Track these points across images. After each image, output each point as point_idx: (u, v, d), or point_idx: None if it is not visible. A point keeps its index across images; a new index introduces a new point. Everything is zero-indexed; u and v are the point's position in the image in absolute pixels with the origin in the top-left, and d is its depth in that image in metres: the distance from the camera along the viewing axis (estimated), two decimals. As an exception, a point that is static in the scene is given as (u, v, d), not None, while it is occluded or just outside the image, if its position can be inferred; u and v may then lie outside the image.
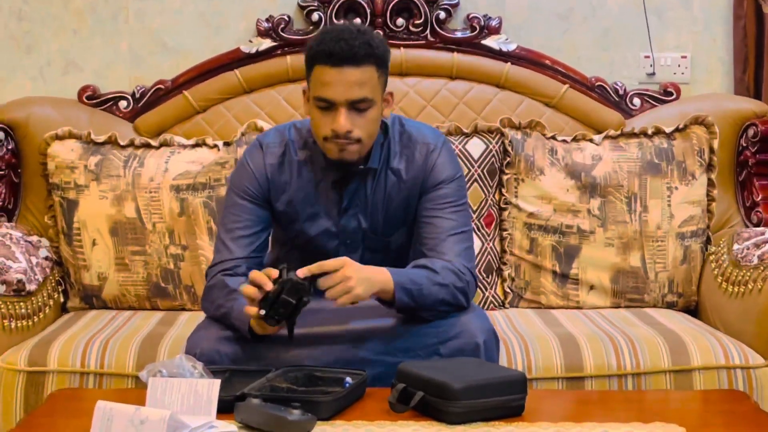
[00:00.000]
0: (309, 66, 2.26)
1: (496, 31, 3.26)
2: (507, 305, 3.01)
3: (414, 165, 2.37)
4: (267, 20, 3.25)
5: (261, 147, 2.40)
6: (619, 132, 3.10)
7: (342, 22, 3.21)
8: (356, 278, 2.12)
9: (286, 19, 3.25)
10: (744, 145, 3.12)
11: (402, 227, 2.42)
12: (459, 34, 3.26)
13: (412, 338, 2.22)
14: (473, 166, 2.99)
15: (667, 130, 3.05)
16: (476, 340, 2.21)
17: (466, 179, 2.95)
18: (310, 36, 3.22)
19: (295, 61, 3.22)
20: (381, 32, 3.22)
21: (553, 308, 2.99)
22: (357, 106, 2.22)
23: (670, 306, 3.01)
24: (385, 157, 2.37)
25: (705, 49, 3.38)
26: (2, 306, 2.64)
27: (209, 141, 3.03)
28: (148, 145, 3.03)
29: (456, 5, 3.27)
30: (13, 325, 2.66)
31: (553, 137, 3.06)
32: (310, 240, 2.39)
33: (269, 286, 2.07)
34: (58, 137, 2.99)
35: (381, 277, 2.19)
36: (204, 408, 1.88)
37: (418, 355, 2.18)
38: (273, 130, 2.45)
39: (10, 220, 3.07)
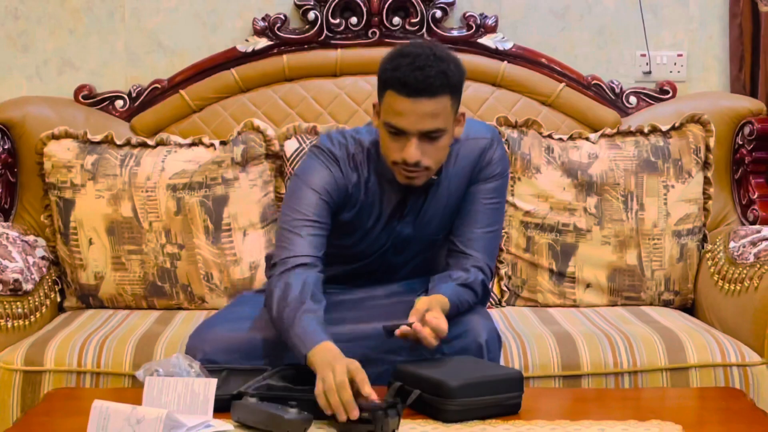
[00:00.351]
0: (381, 87, 2.19)
1: (492, 29, 3.27)
2: (504, 303, 3.02)
3: (468, 160, 2.34)
4: (263, 19, 3.25)
5: (335, 157, 2.30)
6: (615, 130, 3.10)
7: (338, 20, 3.21)
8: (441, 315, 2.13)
9: (283, 18, 3.25)
10: (740, 143, 3.13)
11: (449, 228, 2.40)
12: (455, 33, 3.26)
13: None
14: (470, 165, 2.99)
15: (664, 128, 3.05)
16: (480, 340, 2.22)
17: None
18: (306, 35, 3.22)
19: (292, 60, 3.22)
20: (377, 31, 3.23)
21: (550, 306, 2.99)
22: (428, 136, 2.17)
23: (667, 304, 3.01)
24: (445, 164, 2.33)
25: (701, 47, 3.38)
26: (-1, 305, 2.65)
27: (206, 140, 3.03)
28: (144, 145, 3.03)
29: (452, 4, 3.27)
30: (9, 324, 2.66)
31: (550, 135, 3.07)
32: (362, 250, 2.37)
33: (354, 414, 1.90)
34: (55, 137, 2.99)
35: (445, 305, 2.20)
36: (200, 407, 1.89)
37: (421, 354, 2.18)
38: (336, 143, 2.33)
39: (6, 220, 3.07)
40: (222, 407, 1.91)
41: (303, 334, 2.07)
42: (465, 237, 2.34)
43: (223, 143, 3.01)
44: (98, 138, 3.01)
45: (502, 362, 2.44)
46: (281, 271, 2.21)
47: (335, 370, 1.91)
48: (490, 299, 2.98)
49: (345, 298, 2.37)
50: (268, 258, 2.56)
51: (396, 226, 2.35)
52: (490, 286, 2.38)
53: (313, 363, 2.00)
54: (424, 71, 2.11)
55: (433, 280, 2.31)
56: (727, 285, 2.80)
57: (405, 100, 2.13)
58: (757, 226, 2.96)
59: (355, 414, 1.87)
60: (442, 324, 2.09)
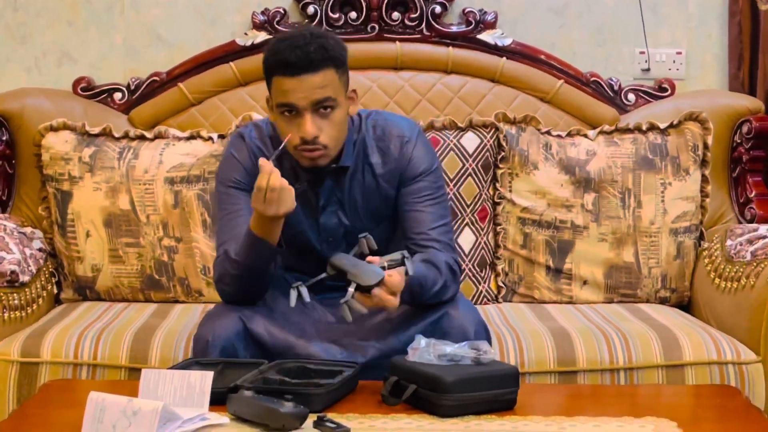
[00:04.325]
0: (268, 77, 2.26)
1: (491, 25, 3.27)
2: (500, 300, 3.02)
3: (390, 158, 2.37)
4: (262, 13, 3.24)
5: (243, 138, 2.39)
6: (613, 127, 3.10)
7: (338, 15, 3.21)
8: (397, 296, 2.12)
9: (282, 12, 3.24)
10: (738, 141, 3.13)
11: (384, 221, 2.41)
12: (454, 29, 3.26)
13: (407, 334, 2.22)
14: (468, 161, 2.99)
15: (662, 125, 3.05)
16: (467, 334, 2.22)
17: (460, 174, 2.98)
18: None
19: (291, 54, 3.22)
20: (376, 26, 3.23)
21: (546, 303, 2.99)
22: (321, 107, 2.21)
23: (663, 301, 3.01)
24: (360, 153, 2.36)
25: (700, 46, 3.38)
26: (-5, 297, 2.65)
27: (204, 133, 3.03)
28: (142, 137, 3.03)
29: (452, 0, 3.27)
30: (6, 316, 2.66)
31: (548, 132, 3.07)
32: (293, 237, 2.37)
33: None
34: (53, 129, 2.99)
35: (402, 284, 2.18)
36: (196, 400, 1.89)
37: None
38: (250, 126, 2.43)
39: (3, 212, 3.07)
40: (218, 400, 1.91)
41: (243, 244, 2.21)
42: (417, 237, 2.34)
43: (221, 137, 3.01)
44: (96, 130, 3.01)
45: (497, 358, 2.45)
46: (218, 258, 2.31)
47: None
48: (487, 295, 2.99)
49: (329, 319, 2.38)
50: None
51: (320, 217, 2.37)
52: (459, 274, 2.35)
53: (255, 225, 2.18)
54: (303, 48, 2.19)
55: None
56: (724, 283, 2.81)
57: (291, 79, 2.20)
58: (754, 225, 2.97)
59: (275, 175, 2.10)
60: (396, 278, 2.09)
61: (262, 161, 2.13)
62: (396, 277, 2.09)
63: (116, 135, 3.01)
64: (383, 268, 2.09)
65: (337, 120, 2.25)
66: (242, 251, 2.23)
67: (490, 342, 2.30)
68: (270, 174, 2.10)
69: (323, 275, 2.18)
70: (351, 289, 2.07)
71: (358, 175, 2.36)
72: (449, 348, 2.02)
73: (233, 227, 2.30)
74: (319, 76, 2.19)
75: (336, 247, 2.37)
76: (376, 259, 2.11)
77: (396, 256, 2.12)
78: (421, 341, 2.05)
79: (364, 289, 2.07)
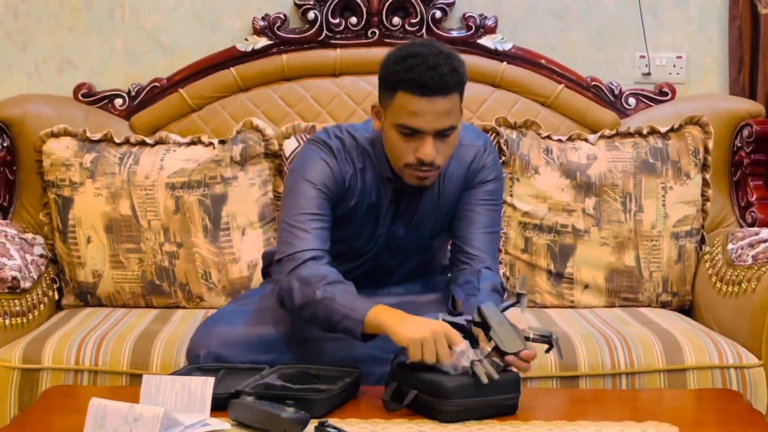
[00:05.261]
0: (391, 89, 2.17)
1: (491, 30, 3.27)
2: (502, 304, 3.01)
3: (462, 166, 2.36)
4: (263, 19, 3.25)
5: (332, 150, 2.30)
6: (614, 132, 3.10)
7: (338, 20, 3.21)
8: None
9: (282, 17, 3.25)
10: (739, 145, 3.13)
11: (442, 234, 2.42)
12: (455, 33, 3.26)
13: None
14: (468, 165, 2.99)
15: (662, 129, 3.05)
16: None
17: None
18: (306, 34, 3.22)
19: (291, 59, 3.22)
20: (376, 31, 3.23)
21: (548, 307, 2.99)
22: (442, 134, 2.18)
23: (665, 305, 3.01)
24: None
25: (700, 49, 3.38)
26: (-3, 303, 2.65)
27: (205, 139, 3.03)
28: (143, 143, 3.03)
29: (452, 4, 3.27)
30: (7, 322, 2.66)
31: (549, 137, 3.07)
32: (355, 247, 2.37)
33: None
34: (54, 135, 2.99)
35: None
36: (198, 405, 1.89)
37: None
38: (333, 136, 2.33)
39: (5, 218, 3.07)
40: (219, 406, 1.91)
41: (350, 302, 2.10)
42: (467, 237, 2.35)
43: (222, 142, 3.01)
44: (97, 136, 3.01)
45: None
46: (292, 267, 2.18)
47: (432, 321, 2.01)
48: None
49: None
50: (267, 256, 2.55)
51: (391, 226, 2.36)
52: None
53: (377, 322, 2.04)
54: (437, 70, 2.12)
55: (460, 292, 2.28)
56: (725, 287, 2.81)
57: (421, 99, 2.12)
58: (755, 228, 2.97)
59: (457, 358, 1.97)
60: (533, 353, 2.06)
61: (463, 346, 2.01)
62: (533, 352, 2.05)
63: (117, 141, 3.01)
64: (527, 338, 2.05)
65: (453, 142, 2.22)
66: (339, 307, 2.10)
67: None
68: (462, 351, 2.00)
69: (464, 320, 2.09)
70: (488, 348, 2.02)
71: (433, 186, 2.34)
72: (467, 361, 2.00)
73: (317, 231, 2.22)
74: (447, 100, 2.14)
75: (395, 255, 2.39)
76: (525, 322, 2.08)
77: (545, 332, 2.09)
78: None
79: (502, 353, 2.02)
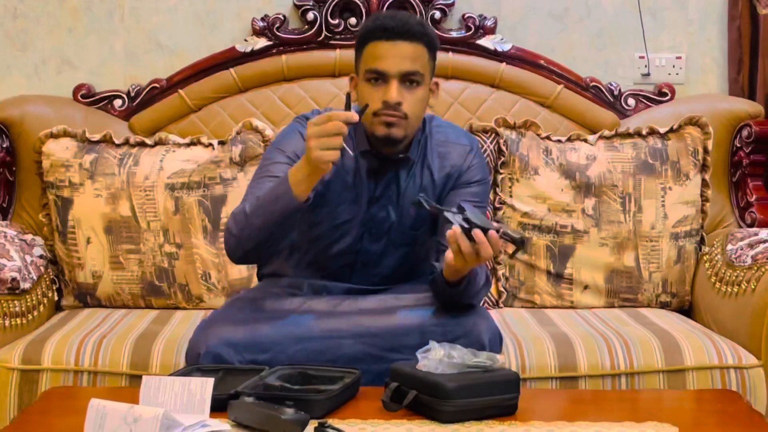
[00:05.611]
0: (361, 45, 2.31)
1: (491, 31, 3.27)
2: (501, 305, 3.02)
3: (448, 163, 2.40)
4: (262, 19, 3.25)
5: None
6: (613, 132, 3.10)
7: (337, 21, 3.22)
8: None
9: (282, 18, 3.25)
10: (738, 145, 3.13)
11: (423, 226, 2.43)
12: (454, 34, 3.26)
13: (418, 336, 2.22)
14: (468, 166, 2.99)
15: (662, 130, 3.05)
16: (482, 341, 2.22)
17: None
18: (305, 35, 3.23)
19: (291, 60, 3.22)
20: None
21: (547, 308, 2.99)
22: (408, 80, 2.27)
23: (664, 306, 3.01)
24: (421, 152, 2.40)
25: (700, 50, 3.39)
26: (-4, 304, 2.65)
27: (204, 140, 3.03)
28: (142, 144, 3.03)
29: (451, 5, 3.27)
30: (7, 323, 2.66)
31: (548, 137, 3.07)
32: (335, 227, 2.39)
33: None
34: (53, 135, 2.99)
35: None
36: (197, 406, 1.89)
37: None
38: (314, 113, 2.43)
39: (4, 219, 3.07)
40: (219, 407, 1.91)
41: (270, 189, 2.19)
42: None
43: (221, 143, 3.01)
44: (97, 137, 3.01)
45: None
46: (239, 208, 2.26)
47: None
48: (488, 300, 2.99)
49: (338, 299, 2.37)
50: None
51: (370, 208, 2.37)
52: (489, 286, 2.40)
53: (295, 172, 2.14)
54: (402, 19, 2.29)
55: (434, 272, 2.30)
56: (725, 287, 2.81)
57: (385, 43, 2.26)
58: (754, 229, 2.97)
59: (354, 117, 2.09)
60: (500, 242, 2.10)
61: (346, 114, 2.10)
62: (500, 243, 2.09)
63: (117, 142, 3.02)
64: (498, 231, 2.08)
65: (420, 96, 2.30)
66: (266, 196, 2.19)
67: (501, 351, 2.30)
68: (345, 116, 2.10)
69: (439, 208, 2.15)
70: (459, 217, 2.07)
71: (416, 173, 2.39)
72: (459, 359, 2.00)
73: (262, 188, 2.27)
74: (411, 46, 2.26)
75: (376, 241, 2.40)
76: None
77: (517, 234, 2.12)
78: (436, 349, 2.02)
79: (469, 229, 2.06)
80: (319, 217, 2.38)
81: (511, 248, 2.12)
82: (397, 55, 2.25)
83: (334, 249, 2.41)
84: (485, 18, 3.27)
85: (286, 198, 2.15)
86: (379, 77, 2.27)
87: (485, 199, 2.45)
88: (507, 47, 3.26)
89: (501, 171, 3.02)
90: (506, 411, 1.98)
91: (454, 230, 2.07)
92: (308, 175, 2.14)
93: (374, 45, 2.27)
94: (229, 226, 2.25)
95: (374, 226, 2.40)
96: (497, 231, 2.08)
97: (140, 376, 2.02)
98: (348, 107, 2.14)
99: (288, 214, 2.17)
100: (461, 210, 2.11)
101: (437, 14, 3.24)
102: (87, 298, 2.99)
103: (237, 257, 2.30)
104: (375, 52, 2.27)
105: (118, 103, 3.25)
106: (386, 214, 2.39)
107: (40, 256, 2.94)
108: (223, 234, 2.32)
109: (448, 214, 2.10)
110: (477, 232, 2.06)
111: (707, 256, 2.98)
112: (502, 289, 3.02)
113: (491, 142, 3.02)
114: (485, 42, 3.26)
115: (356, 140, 2.36)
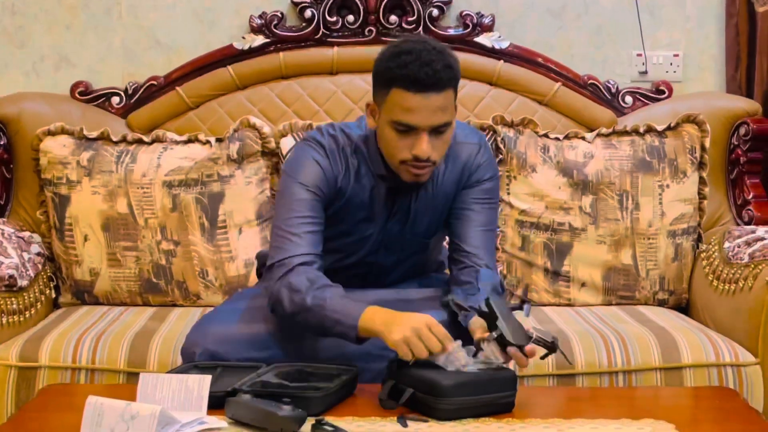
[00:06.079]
0: (385, 86, 2.17)
1: (489, 28, 3.27)
2: (499, 302, 3.02)
3: (457, 164, 2.35)
4: (260, 17, 3.25)
5: (325, 150, 2.29)
6: (611, 130, 3.10)
7: (335, 18, 3.21)
8: None
9: (279, 15, 3.25)
10: (735, 143, 3.13)
11: (438, 232, 2.42)
12: (452, 32, 3.26)
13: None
14: (465, 164, 2.99)
15: (659, 128, 3.06)
16: None
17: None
18: (303, 33, 3.22)
19: (288, 57, 3.22)
20: (374, 29, 3.23)
21: (545, 305, 2.99)
22: (437, 131, 2.17)
23: (661, 303, 3.02)
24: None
25: (697, 48, 3.39)
26: (-6, 301, 2.65)
27: (202, 137, 3.03)
28: (140, 141, 3.03)
29: (449, 2, 3.27)
30: (4, 320, 2.66)
31: (546, 135, 3.07)
32: (350, 243, 2.37)
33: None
34: (51, 133, 2.99)
35: None
36: (194, 404, 1.89)
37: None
38: (326, 135, 2.32)
39: (1, 216, 3.07)
40: (216, 404, 1.91)
41: (342, 308, 2.11)
42: (465, 235, 2.34)
43: (219, 140, 3.01)
44: (94, 134, 3.01)
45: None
46: (282, 273, 2.19)
47: (414, 317, 2.01)
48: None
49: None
50: (261, 257, 2.55)
51: (386, 224, 2.36)
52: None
53: (370, 325, 2.06)
54: (431, 66, 2.12)
55: (460, 292, 2.27)
56: (722, 285, 2.81)
57: (415, 96, 2.12)
58: (751, 227, 2.97)
59: (450, 346, 1.99)
60: (535, 352, 2.08)
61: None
62: (535, 349, 2.06)
63: (114, 139, 3.01)
64: (530, 337, 2.05)
65: (448, 138, 2.22)
66: (331, 315, 2.12)
67: None
68: (446, 343, 2.01)
69: (472, 311, 2.11)
70: (494, 334, 2.02)
71: (428, 183, 2.33)
72: (463, 360, 2.01)
73: (309, 235, 2.23)
74: (442, 96, 2.13)
75: (391, 254, 2.39)
76: (528, 324, 2.10)
77: (548, 336, 2.09)
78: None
79: (505, 344, 2.03)
80: (334, 235, 2.34)
81: (541, 351, 2.10)
82: (428, 108, 2.13)
83: (347, 261, 2.39)
84: (483, 15, 3.27)
85: (347, 334, 2.10)
86: (408, 129, 2.16)
87: (496, 196, 2.41)
88: (504, 45, 3.26)
89: (499, 168, 3.01)
90: (503, 408, 1.99)
91: (490, 350, 2.04)
92: (376, 335, 2.07)
93: (402, 94, 2.13)
94: (282, 299, 2.16)
95: (389, 241, 2.38)
96: (530, 338, 2.05)
97: (137, 374, 2.02)
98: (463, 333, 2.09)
99: (339, 338, 2.14)
100: (492, 316, 2.04)
101: (435, 12, 3.24)
102: (84, 295, 2.99)
103: (279, 317, 2.25)
104: (404, 103, 2.13)
105: (115, 100, 3.24)
106: (400, 227, 2.37)
107: (38, 254, 2.94)
108: (269, 292, 2.22)
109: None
110: (513, 351, 2.03)
111: (704, 254, 2.98)
112: (499, 286, 3.02)
113: (489, 140, 3.02)
114: (483, 39, 3.26)
115: (372, 163, 2.30)
